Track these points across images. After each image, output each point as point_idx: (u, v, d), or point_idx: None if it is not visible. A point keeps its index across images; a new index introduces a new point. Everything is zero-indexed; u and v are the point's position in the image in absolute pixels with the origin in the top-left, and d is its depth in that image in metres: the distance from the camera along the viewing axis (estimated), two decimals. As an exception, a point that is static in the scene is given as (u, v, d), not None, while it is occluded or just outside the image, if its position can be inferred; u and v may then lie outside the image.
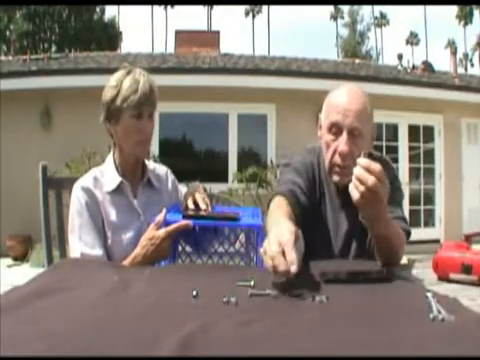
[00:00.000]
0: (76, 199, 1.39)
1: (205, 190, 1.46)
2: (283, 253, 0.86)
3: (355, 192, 1.03)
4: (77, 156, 6.26)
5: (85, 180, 1.42)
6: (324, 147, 1.37)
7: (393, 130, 8.17)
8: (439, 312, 0.73)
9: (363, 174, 1.01)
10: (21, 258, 6.54)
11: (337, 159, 1.32)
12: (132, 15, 63.30)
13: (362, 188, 1.02)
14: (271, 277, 0.98)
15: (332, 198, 1.41)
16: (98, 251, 1.35)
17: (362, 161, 1.02)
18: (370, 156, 1.41)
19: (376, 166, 1.02)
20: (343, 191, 1.39)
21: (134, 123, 1.38)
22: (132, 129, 1.38)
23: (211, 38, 11.16)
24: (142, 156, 1.48)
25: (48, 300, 0.80)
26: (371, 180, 1.01)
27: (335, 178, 1.37)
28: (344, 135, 1.30)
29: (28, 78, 7.16)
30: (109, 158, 1.49)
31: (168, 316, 0.73)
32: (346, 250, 1.38)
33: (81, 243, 1.35)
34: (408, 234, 1.33)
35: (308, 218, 1.32)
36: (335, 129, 1.31)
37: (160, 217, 1.25)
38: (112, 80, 1.39)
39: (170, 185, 1.58)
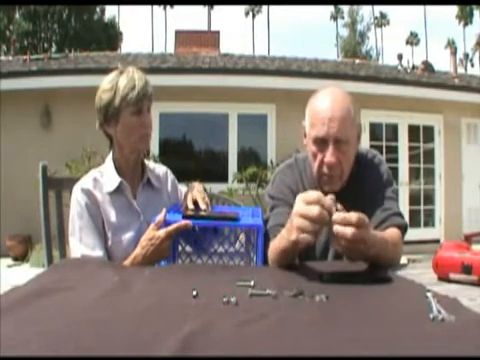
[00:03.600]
0: (76, 201, 1.39)
1: (205, 190, 1.46)
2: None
3: (337, 246, 1.01)
4: (77, 156, 6.26)
5: (85, 182, 1.42)
6: (311, 157, 1.35)
7: (393, 130, 8.18)
8: (439, 312, 0.73)
9: (339, 230, 0.98)
10: (21, 258, 6.55)
11: (325, 170, 1.31)
12: (132, 15, 63.35)
13: (342, 242, 0.99)
14: (271, 277, 0.98)
15: None
16: (98, 252, 1.35)
17: (336, 218, 0.98)
18: (358, 153, 1.42)
19: (351, 217, 0.98)
20: (331, 192, 1.39)
21: (135, 120, 1.39)
22: (134, 126, 1.39)
23: (211, 38, 11.16)
24: (145, 150, 1.48)
25: (48, 300, 0.80)
26: (348, 232, 0.97)
27: (325, 188, 1.36)
28: (330, 146, 1.28)
29: (28, 78, 7.16)
30: (108, 159, 1.49)
31: (168, 316, 0.73)
32: (340, 258, 1.37)
33: (82, 245, 1.35)
34: (405, 228, 1.32)
35: None
36: (320, 141, 1.30)
37: (160, 217, 1.25)
38: (106, 83, 1.39)
39: (170, 185, 1.58)
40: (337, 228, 0.98)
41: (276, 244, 1.16)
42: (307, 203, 0.98)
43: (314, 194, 0.99)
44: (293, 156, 1.52)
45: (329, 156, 1.29)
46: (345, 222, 0.97)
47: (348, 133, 1.30)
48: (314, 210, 0.96)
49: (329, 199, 0.99)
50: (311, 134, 1.33)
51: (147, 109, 1.41)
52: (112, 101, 1.37)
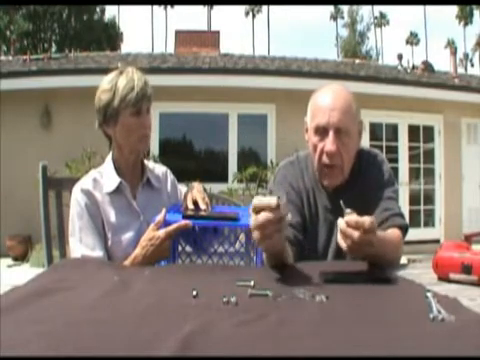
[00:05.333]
0: (76, 201, 1.39)
1: (205, 190, 1.46)
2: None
3: (342, 243, 1.01)
4: (77, 156, 6.26)
5: (84, 182, 1.42)
6: (312, 150, 1.36)
7: (393, 130, 8.18)
8: (439, 312, 0.73)
9: (348, 232, 0.98)
10: (21, 258, 6.55)
11: (325, 159, 1.32)
12: (132, 15, 63.34)
13: (349, 241, 0.99)
14: (271, 277, 0.98)
15: (323, 204, 1.41)
16: (98, 253, 1.35)
17: (350, 221, 0.98)
18: (360, 152, 1.42)
19: (364, 221, 0.98)
20: (334, 194, 1.39)
21: (135, 120, 1.38)
22: (133, 126, 1.39)
23: (211, 38, 11.16)
24: (144, 151, 1.49)
25: (48, 300, 0.80)
26: (355, 236, 0.97)
27: (325, 181, 1.36)
28: (330, 134, 1.29)
29: (28, 78, 7.16)
30: (108, 159, 1.49)
31: (168, 316, 0.73)
32: (341, 253, 1.38)
33: (82, 245, 1.35)
34: (406, 229, 1.32)
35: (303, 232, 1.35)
36: (321, 130, 1.31)
37: (160, 217, 1.25)
38: (105, 83, 1.39)
39: (169, 185, 1.58)
40: (346, 229, 0.98)
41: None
42: (254, 212, 0.93)
43: (257, 201, 0.94)
44: (294, 154, 1.53)
45: (329, 144, 1.29)
46: (358, 226, 0.98)
47: (349, 124, 1.30)
48: (258, 218, 0.92)
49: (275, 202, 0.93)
50: (312, 125, 1.34)
51: (146, 110, 1.41)
52: (111, 102, 1.37)
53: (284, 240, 1.05)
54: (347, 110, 1.30)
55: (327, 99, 1.32)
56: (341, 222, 1.00)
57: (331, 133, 1.29)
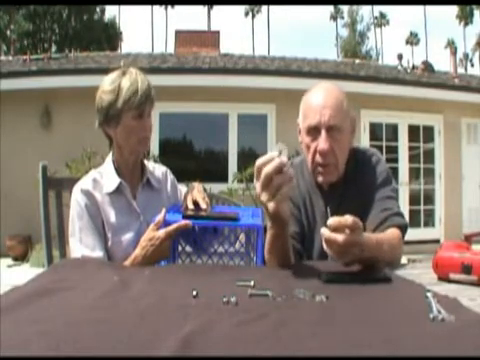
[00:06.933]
0: (76, 202, 1.39)
1: (205, 190, 1.46)
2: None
3: (328, 251, 1.00)
4: (77, 156, 6.27)
5: (84, 182, 1.42)
6: (305, 150, 1.36)
7: (393, 130, 8.18)
8: (439, 312, 0.73)
9: (329, 236, 0.96)
10: (21, 258, 6.55)
11: (318, 158, 1.32)
12: (132, 15, 63.36)
13: (334, 246, 0.97)
14: (271, 277, 0.98)
15: (320, 207, 1.41)
16: (98, 253, 1.35)
17: (332, 222, 0.96)
18: (356, 152, 1.42)
19: (347, 220, 0.96)
20: (330, 196, 1.39)
21: (136, 123, 1.38)
22: (134, 129, 1.39)
23: (211, 38, 11.16)
24: (144, 152, 1.49)
25: (48, 300, 0.80)
26: (340, 239, 0.95)
27: (319, 179, 1.36)
28: (323, 133, 1.29)
29: (28, 78, 7.16)
30: (108, 159, 1.49)
31: (168, 316, 0.73)
32: None
33: (82, 246, 1.35)
34: (405, 228, 1.31)
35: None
36: (313, 130, 1.31)
37: (160, 217, 1.25)
38: (107, 83, 1.38)
39: (169, 185, 1.58)
40: (329, 235, 0.96)
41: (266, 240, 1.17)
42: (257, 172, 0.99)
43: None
44: (288, 162, 1.53)
45: (322, 143, 1.29)
46: (340, 226, 0.96)
47: (340, 121, 1.31)
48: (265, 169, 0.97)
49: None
50: (304, 125, 1.34)
51: (148, 113, 1.41)
52: (114, 103, 1.36)
53: (289, 214, 1.05)
54: (337, 107, 1.30)
55: (317, 98, 1.32)
56: (324, 230, 0.97)
57: (323, 132, 1.29)
